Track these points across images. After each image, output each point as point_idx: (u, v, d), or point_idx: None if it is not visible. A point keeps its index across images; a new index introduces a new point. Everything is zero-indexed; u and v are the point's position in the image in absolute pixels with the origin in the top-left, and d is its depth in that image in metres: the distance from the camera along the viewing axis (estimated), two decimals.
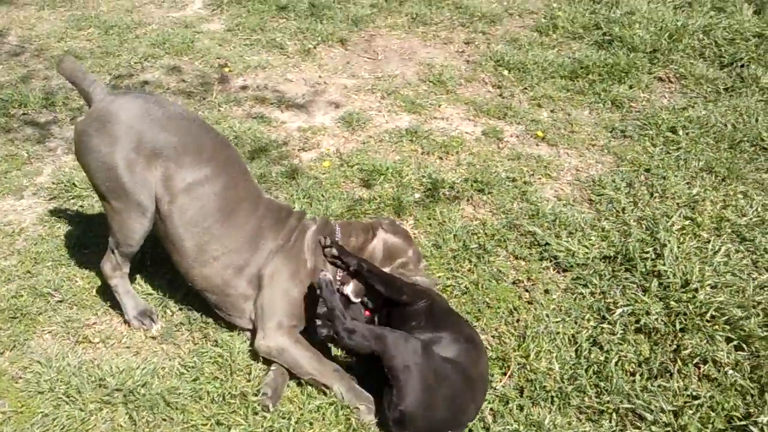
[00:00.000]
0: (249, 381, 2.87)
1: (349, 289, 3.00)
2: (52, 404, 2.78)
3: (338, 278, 3.02)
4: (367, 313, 3.01)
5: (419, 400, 2.49)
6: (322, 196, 3.97)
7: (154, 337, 3.12)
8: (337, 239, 3.10)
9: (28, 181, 4.19)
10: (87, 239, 3.67)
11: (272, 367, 2.89)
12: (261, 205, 3.05)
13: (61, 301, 3.30)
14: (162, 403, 2.76)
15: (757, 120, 4.58)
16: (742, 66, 5.21)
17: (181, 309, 3.25)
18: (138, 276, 3.42)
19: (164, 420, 2.72)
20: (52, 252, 3.59)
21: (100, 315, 3.24)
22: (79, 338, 3.11)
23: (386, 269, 3.09)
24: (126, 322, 3.18)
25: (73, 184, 4.07)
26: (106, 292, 3.27)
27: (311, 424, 2.68)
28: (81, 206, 3.94)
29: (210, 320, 3.16)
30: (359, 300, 3.01)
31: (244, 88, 5.24)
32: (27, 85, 5.20)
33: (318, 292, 2.78)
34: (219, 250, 2.95)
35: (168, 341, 3.10)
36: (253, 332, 2.99)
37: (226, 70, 5.47)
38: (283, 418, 2.69)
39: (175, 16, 6.44)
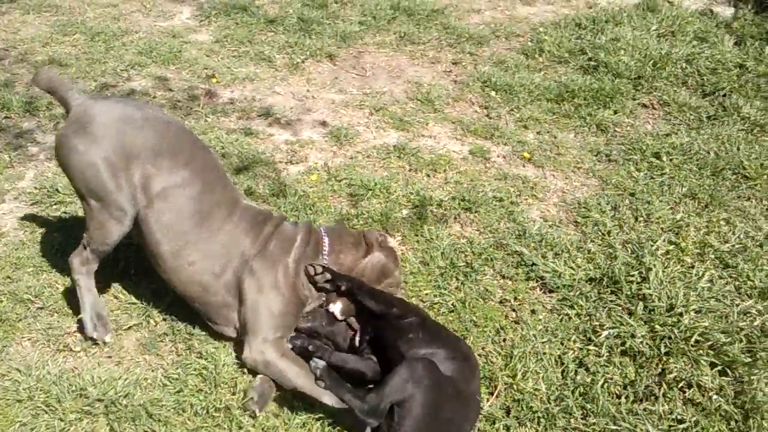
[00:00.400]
0: (234, 394, 2.83)
1: (337, 308, 2.98)
2: (31, 413, 2.72)
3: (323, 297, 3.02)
4: (350, 332, 2.99)
5: (420, 427, 2.45)
6: (310, 209, 3.95)
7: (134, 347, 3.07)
8: (325, 257, 3.07)
9: (10, 185, 4.12)
10: (69, 245, 3.59)
11: (259, 375, 2.86)
12: (237, 210, 3.03)
13: (41, 308, 3.24)
14: (144, 414, 2.71)
15: (738, 148, 4.66)
16: (724, 95, 5.31)
17: (164, 319, 3.20)
18: (120, 285, 3.37)
19: None
20: (33, 258, 3.53)
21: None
22: (59, 346, 3.05)
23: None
24: (79, 320, 3.08)
25: (56, 189, 4.01)
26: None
27: None
28: (64, 212, 3.88)
29: (195, 331, 3.12)
30: (344, 319, 3.00)
31: (231, 100, 5.22)
32: (10, 89, 5.13)
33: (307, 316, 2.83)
34: (194, 256, 2.92)
35: (151, 352, 3.04)
36: (240, 342, 2.95)
37: (214, 81, 5.44)
38: None
39: (162, 26, 6.40)
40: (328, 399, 2.74)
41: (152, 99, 5.13)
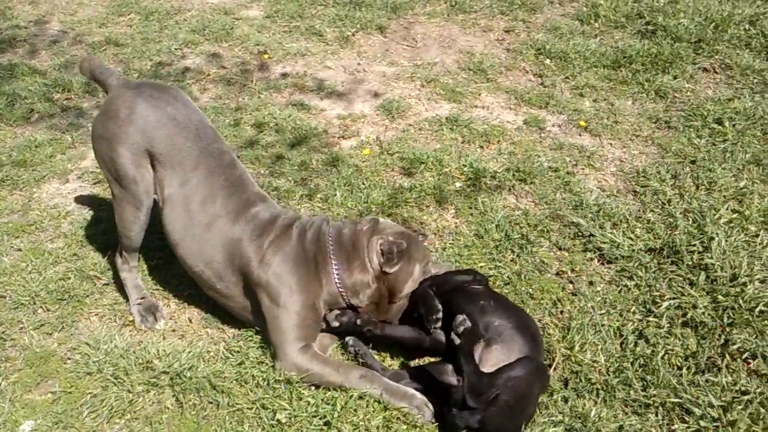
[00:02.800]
0: None
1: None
2: (101, 385, 2.83)
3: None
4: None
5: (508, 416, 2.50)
6: (363, 184, 3.97)
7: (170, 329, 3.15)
8: (336, 281, 2.91)
9: (73, 165, 4.25)
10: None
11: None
12: (242, 220, 2.94)
13: (107, 284, 3.35)
14: (208, 386, 2.78)
15: None
16: None
17: None
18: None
19: (210, 403, 2.75)
20: (97, 236, 3.64)
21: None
22: (126, 321, 3.16)
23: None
24: (130, 314, 3.19)
25: None
26: (150, 278, 3.32)
27: (355, 411, 2.68)
28: None
29: None
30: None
31: (283, 75, 5.25)
32: (69, 70, 5.26)
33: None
34: (200, 265, 2.98)
35: (213, 326, 3.12)
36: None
37: (266, 57, 5.48)
38: (327, 404, 2.70)
39: (214, 3, 6.46)
40: (373, 391, 2.73)
41: (206, 76, 5.19)
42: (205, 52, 5.56)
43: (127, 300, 3.23)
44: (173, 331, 3.11)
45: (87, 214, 3.82)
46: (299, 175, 4.08)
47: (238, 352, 2.94)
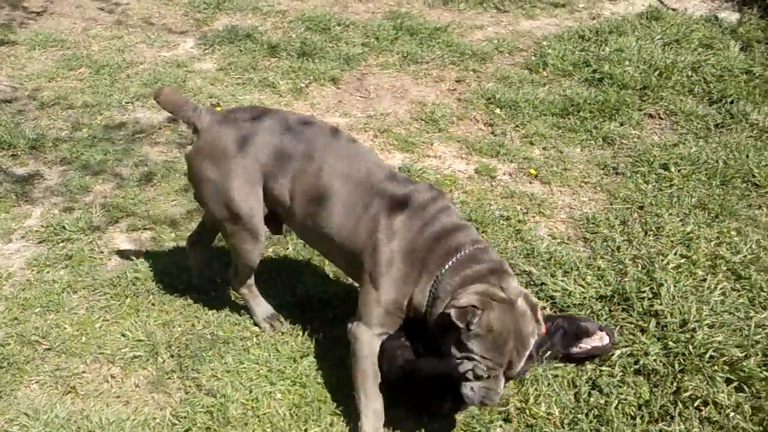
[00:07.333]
0: None
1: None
2: None
3: None
4: None
5: None
6: None
7: (138, 386, 3.05)
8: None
9: (17, 224, 4.14)
10: (76, 284, 3.62)
11: None
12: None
13: (49, 349, 3.24)
14: None
15: (747, 156, 4.59)
16: (731, 102, 5.24)
17: (172, 356, 3.19)
18: (128, 322, 3.36)
19: None
20: (41, 298, 3.53)
21: (89, 363, 3.17)
22: (67, 388, 3.04)
23: None
24: (256, 324, 3.37)
25: (63, 227, 4.03)
26: (94, 341, 3.23)
27: None
28: (71, 250, 3.88)
29: (202, 367, 3.10)
30: None
31: None
32: (16, 126, 5.17)
33: None
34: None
35: (159, 390, 3.03)
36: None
37: (219, 109, 5.46)
38: None
39: (166, 56, 6.45)
40: (365, 415, 2.79)
41: (158, 130, 5.15)
42: (157, 106, 5.49)
43: (252, 318, 3.40)
44: (117, 397, 3.00)
45: (30, 275, 3.71)
46: None
47: (185, 417, 2.85)
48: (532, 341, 2.68)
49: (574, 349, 3.10)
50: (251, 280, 3.32)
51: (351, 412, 2.87)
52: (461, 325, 2.57)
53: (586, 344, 3.10)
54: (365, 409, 2.80)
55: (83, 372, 3.13)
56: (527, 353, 2.67)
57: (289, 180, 2.96)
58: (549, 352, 3.08)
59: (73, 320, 3.39)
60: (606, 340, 3.12)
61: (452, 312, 2.58)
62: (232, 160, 2.96)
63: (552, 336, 3.07)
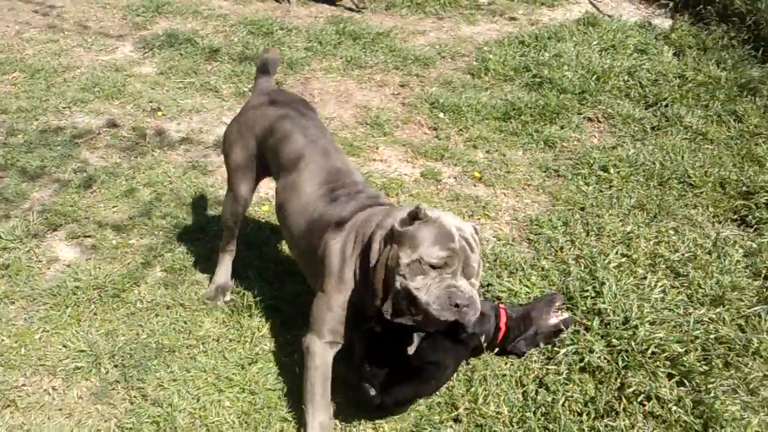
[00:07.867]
0: None
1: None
2: None
3: None
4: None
5: None
6: (265, 241, 3.91)
7: (82, 398, 2.97)
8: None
9: None
10: (14, 295, 3.49)
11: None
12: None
13: None
14: None
15: (683, 158, 4.75)
16: (666, 106, 5.42)
17: (116, 366, 3.11)
18: (70, 332, 3.26)
19: None
20: None
21: (29, 376, 3.07)
22: (6, 402, 2.93)
23: None
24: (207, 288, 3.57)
25: None
26: (33, 352, 3.12)
27: None
28: (7, 259, 3.75)
29: (147, 377, 3.03)
30: None
31: (178, 132, 5.15)
32: None
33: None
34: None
35: (103, 401, 2.95)
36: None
37: (159, 114, 5.36)
38: None
39: (104, 60, 6.30)
40: (312, 425, 2.76)
41: (97, 135, 5.02)
42: (96, 110, 5.38)
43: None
44: (59, 410, 2.91)
45: None
46: (196, 236, 3.98)
47: (130, 429, 2.79)
48: (477, 240, 2.66)
49: (553, 321, 3.23)
50: (231, 246, 3.61)
51: (301, 418, 2.85)
52: (406, 225, 2.57)
53: (560, 315, 3.26)
54: (312, 422, 2.77)
55: (23, 385, 3.02)
56: (477, 253, 2.63)
57: None
58: (533, 327, 3.21)
59: (11, 332, 3.27)
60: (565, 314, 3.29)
61: (395, 225, 2.59)
62: (240, 130, 3.48)
63: (524, 318, 3.21)
